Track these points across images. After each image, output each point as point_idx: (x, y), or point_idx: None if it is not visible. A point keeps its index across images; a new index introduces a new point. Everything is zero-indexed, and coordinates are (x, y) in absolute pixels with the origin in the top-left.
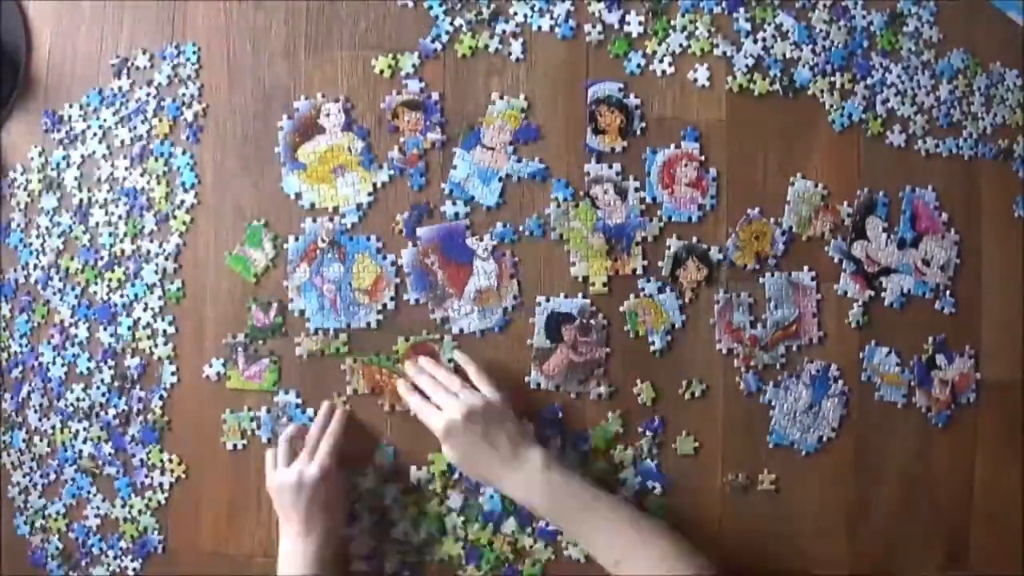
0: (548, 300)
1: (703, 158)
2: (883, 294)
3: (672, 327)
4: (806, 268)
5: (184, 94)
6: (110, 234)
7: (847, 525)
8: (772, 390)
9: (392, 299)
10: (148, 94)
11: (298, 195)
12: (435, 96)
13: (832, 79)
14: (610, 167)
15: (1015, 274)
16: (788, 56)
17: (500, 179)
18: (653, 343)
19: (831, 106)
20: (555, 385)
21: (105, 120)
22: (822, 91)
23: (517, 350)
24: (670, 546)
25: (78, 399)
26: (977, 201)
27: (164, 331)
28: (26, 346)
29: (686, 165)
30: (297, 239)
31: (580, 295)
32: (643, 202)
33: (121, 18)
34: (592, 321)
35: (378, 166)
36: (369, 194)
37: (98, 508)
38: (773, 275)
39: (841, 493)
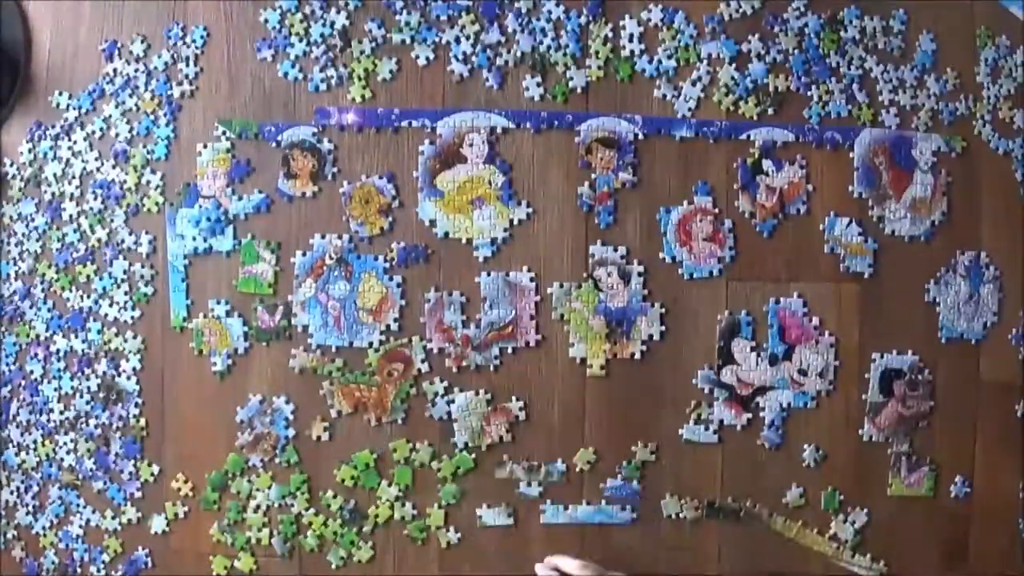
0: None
1: (716, 211)
2: None
3: None
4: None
5: (184, 93)
6: (102, 228)
7: None
8: (934, 287)
9: (396, 320)
10: (148, 94)
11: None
12: (628, 135)
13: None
14: (615, 250)
15: (1014, 274)
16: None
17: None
18: None
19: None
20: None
21: (105, 119)
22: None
23: None
24: None
25: (62, 411)
26: (978, 199)
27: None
28: (14, 364)
29: (700, 220)
30: (305, 254)
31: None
32: (663, 262)
33: (121, 17)
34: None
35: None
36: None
37: (87, 520)
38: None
39: None
